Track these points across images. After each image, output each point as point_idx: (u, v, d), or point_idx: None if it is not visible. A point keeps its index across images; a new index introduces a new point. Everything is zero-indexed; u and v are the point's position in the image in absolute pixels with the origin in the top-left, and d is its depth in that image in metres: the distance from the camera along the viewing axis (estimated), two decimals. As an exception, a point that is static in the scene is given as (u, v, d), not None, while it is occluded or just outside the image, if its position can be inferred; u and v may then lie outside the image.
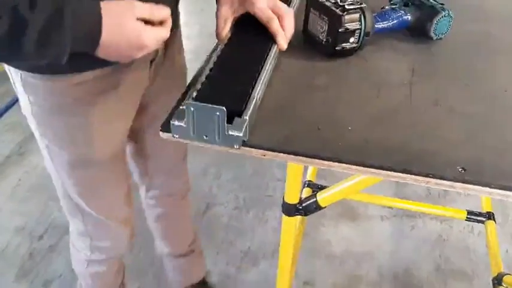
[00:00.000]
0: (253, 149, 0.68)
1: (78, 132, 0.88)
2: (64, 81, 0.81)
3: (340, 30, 0.83)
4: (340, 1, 0.85)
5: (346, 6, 0.83)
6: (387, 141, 0.70)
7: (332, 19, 0.84)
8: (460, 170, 0.65)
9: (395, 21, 0.94)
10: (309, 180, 1.66)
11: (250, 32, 0.87)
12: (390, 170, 0.66)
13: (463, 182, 0.64)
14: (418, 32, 0.94)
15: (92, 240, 1.11)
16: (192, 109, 0.64)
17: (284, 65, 0.86)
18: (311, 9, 0.89)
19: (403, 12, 0.95)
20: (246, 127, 0.65)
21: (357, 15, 0.84)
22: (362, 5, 0.85)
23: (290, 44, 0.88)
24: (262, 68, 0.77)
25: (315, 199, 0.97)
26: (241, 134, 0.64)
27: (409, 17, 0.94)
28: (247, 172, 1.99)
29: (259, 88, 0.73)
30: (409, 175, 0.65)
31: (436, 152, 0.68)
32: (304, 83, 0.83)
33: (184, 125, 0.65)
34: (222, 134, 0.65)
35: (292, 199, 0.96)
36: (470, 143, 0.71)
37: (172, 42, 0.99)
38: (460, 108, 0.77)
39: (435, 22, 0.91)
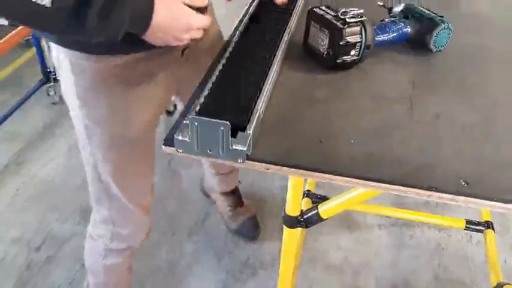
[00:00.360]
0: (256, 163, 0.68)
1: (118, 111, 0.94)
2: (108, 62, 0.87)
3: (341, 43, 0.84)
4: (341, 14, 0.85)
5: (347, 20, 0.84)
6: (389, 154, 0.70)
7: (333, 32, 0.84)
8: (463, 183, 0.65)
9: (395, 34, 0.95)
10: (308, 190, 1.66)
11: (251, 46, 0.88)
12: (392, 184, 0.66)
13: (465, 196, 0.65)
14: (417, 44, 0.95)
15: (115, 227, 1.14)
16: (196, 124, 0.64)
17: (285, 78, 0.87)
18: (312, 22, 0.90)
19: (402, 24, 0.95)
20: (249, 141, 0.65)
21: (357, 28, 0.85)
22: (362, 18, 0.86)
23: (290, 56, 0.89)
24: (264, 81, 0.78)
25: (316, 211, 0.97)
26: (245, 148, 0.64)
27: (409, 30, 0.95)
28: (246, 181, 1.98)
29: (261, 102, 0.73)
30: (411, 188, 0.66)
31: (437, 165, 0.69)
32: (305, 95, 0.83)
33: (188, 140, 0.66)
34: (226, 148, 0.65)
35: (293, 211, 0.96)
36: (471, 155, 0.71)
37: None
38: (461, 120, 0.78)
39: (435, 34, 0.92)
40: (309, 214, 0.97)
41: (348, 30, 0.84)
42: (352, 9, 0.86)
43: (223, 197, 1.78)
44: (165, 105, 1.06)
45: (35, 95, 2.39)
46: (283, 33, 0.94)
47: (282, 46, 0.90)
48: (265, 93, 0.76)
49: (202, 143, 0.65)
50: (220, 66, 0.82)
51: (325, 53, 0.87)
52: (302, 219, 0.98)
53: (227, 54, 0.86)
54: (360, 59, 0.88)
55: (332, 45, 0.85)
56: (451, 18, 0.95)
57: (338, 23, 0.84)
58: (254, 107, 0.71)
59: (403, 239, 1.82)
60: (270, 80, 0.79)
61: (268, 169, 0.68)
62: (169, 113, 2.13)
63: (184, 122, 0.67)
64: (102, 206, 1.11)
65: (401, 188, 0.66)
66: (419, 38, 0.94)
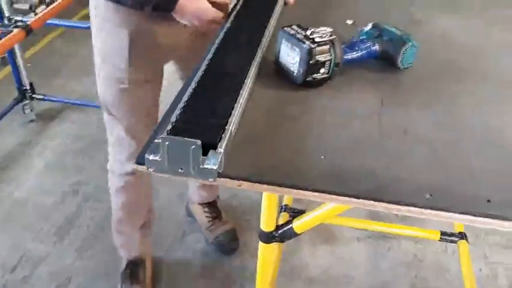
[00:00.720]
0: (228, 180, 0.69)
1: (123, 53, 1.15)
2: (127, 13, 1.08)
3: (311, 61, 0.86)
4: (311, 34, 0.88)
5: (317, 39, 0.86)
6: (358, 169, 0.72)
7: (303, 51, 0.86)
8: (427, 196, 0.67)
9: (364, 52, 0.97)
10: (285, 205, 1.67)
11: (225, 63, 0.90)
12: (362, 198, 0.68)
13: (432, 209, 0.66)
14: (386, 61, 0.98)
15: (115, 151, 1.37)
16: (166, 143, 0.65)
17: (257, 94, 0.88)
18: (283, 40, 0.92)
19: (371, 43, 0.98)
20: (221, 159, 0.66)
21: (327, 47, 0.87)
22: (332, 37, 0.88)
23: (263, 74, 0.91)
24: (236, 99, 0.79)
25: (290, 225, 0.98)
26: (216, 167, 0.65)
27: (377, 48, 0.98)
28: (223, 196, 1.98)
29: (234, 119, 0.74)
30: (380, 203, 0.67)
31: (405, 179, 0.71)
32: (277, 112, 0.85)
33: (159, 159, 0.66)
34: (197, 167, 0.66)
35: (268, 227, 0.97)
36: (438, 169, 0.73)
37: None
38: (428, 135, 0.80)
39: (402, 52, 0.95)
40: (284, 229, 0.98)
41: (317, 49, 0.86)
42: (322, 28, 0.89)
43: (202, 208, 1.82)
44: (163, 64, 1.29)
45: (10, 114, 2.37)
46: (256, 51, 0.96)
47: (255, 64, 0.92)
48: (237, 111, 0.77)
49: (174, 162, 0.66)
50: (193, 84, 0.83)
51: (296, 71, 0.89)
52: (277, 234, 0.99)
53: (200, 72, 0.87)
54: (330, 77, 0.90)
55: (302, 63, 0.87)
56: (418, 36, 0.98)
57: (308, 42, 0.86)
58: (226, 124, 0.72)
59: (381, 251, 1.84)
60: (242, 98, 0.81)
61: (240, 186, 0.69)
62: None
63: (156, 141, 0.67)
64: (109, 132, 1.34)
65: (372, 202, 0.68)
66: (387, 55, 0.97)
